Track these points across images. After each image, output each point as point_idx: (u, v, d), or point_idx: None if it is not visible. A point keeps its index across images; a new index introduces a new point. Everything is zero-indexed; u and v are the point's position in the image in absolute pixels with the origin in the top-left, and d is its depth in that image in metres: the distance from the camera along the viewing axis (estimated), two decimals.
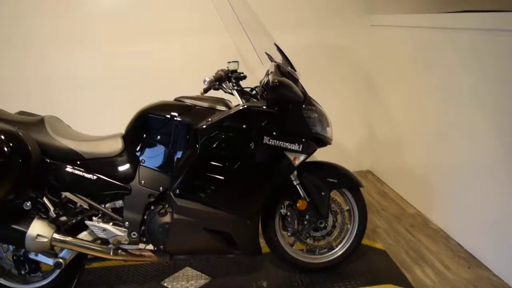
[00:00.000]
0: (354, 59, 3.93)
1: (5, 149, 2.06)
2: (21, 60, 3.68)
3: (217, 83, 2.38)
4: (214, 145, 2.25)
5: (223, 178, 2.28)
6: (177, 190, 2.29)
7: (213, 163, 2.27)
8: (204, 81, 2.31)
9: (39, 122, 2.37)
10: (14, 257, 2.42)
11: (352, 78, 3.97)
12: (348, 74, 3.96)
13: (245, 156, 2.27)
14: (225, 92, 2.47)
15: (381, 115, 3.91)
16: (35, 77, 3.71)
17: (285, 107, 2.29)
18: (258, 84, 2.58)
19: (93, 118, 3.59)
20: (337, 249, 2.69)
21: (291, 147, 2.31)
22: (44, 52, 3.70)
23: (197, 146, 2.26)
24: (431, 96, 3.15)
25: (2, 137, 2.08)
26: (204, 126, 2.26)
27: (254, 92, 2.53)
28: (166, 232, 2.34)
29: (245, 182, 2.32)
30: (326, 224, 2.59)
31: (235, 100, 2.42)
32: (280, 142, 2.29)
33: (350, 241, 2.68)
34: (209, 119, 2.29)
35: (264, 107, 2.29)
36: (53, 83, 3.73)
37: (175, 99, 2.46)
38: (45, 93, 3.71)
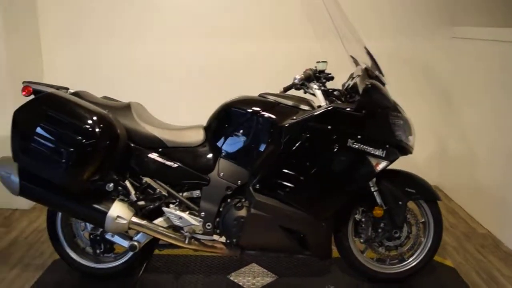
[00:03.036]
0: (432, 70, 3.82)
1: (97, 130, 2.13)
2: (106, 50, 3.85)
3: (305, 82, 2.36)
4: (298, 144, 2.23)
5: (303, 177, 2.26)
6: (257, 185, 2.29)
7: (295, 161, 2.26)
8: (295, 78, 2.31)
9: (126, 108, 2.43)
10: (91, 236, 2.49)
11: (427, 89, 3.86)
12: (424, 84, 3.85)
13: (327, 157, 2.25)
14: (306, 91, 2.46)
15: (455, 130, 3.78)
16: (117, 66, 3.86)
17: (373, 111, 2.25)
18: (335, 87, 2.53)
19: (169, 109, 3.63)
20: (408, 261, 2.61)
21: (374, 152, 2.27)
22: (126, 44, 3.84)
23: (281, 143, 2.25)
24: None
25: (95, 118, 2.15)
26: (289, 124, 2.25)
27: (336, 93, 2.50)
28: (241, 226, 2.34)
29: (325, 184, 2.29)
30: (401, 234, 2.52)
31: (317, 101, 2.40)
32: (364, 146, 2.26)
33: (423, 255, 2.59)
34: (294, 118, 2.28)
35: (350, 109, 2.25)
36: (133, 72, 3.87)
37: (259, 95, 2.46)
38: (125, 82, 3.83)
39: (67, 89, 2.50)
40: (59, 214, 2.53)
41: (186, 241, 2.37)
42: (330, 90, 2.44)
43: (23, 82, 2.40)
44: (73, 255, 2.58)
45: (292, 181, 2.27)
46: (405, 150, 2.38)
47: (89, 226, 2.51)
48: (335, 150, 2.23)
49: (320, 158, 2.26)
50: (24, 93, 2.37)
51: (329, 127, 2.24)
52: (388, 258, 2.61)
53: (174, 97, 3.85)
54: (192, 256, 2.82)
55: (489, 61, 3.34)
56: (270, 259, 2.78)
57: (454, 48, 3.74)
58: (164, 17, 3.80)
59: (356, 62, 2.62)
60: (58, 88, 2.42)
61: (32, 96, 2.35)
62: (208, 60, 3.84)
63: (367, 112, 2.24)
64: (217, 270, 2.70)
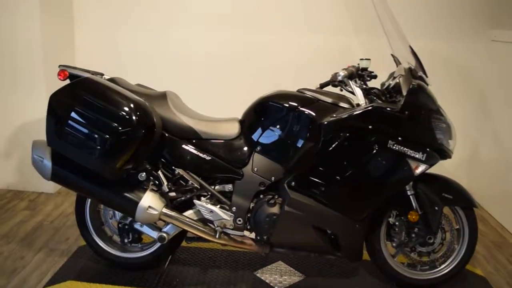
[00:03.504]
0: (468, 73, 3.71)
1: (133, 118, 2.09)
2: (137, 37, 3.81)
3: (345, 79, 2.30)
4: (337, 143, 2.17)
5: (340, 177, 2.20)
6: (292, 183, 2.23)
7: (332, 160, 2.20)
8: (338, 75, 2.25)
9: (162, 97, 2.39)
10: (119, 225, 2.46)
11: (462, 92, 3.75)
12: (459, 87, 3.74)
13: (366, 158, 2.18)
14: (342, 89, 2.40)
15: (489, 136, 3.68)
16: (149, 53, 3.81)
17: (417, 112, 2.18)
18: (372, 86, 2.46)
19: (198, 99, 3.60)
20: (440, 268, 2.54)
21: (414, 155, 2.20)
22: (158, 31, 3.79)
23: (319, 141, 2.19)
24: None
25: (132, 106, 2.11)
26: (328, 122, 2.19)
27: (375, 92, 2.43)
28: (273, 223, 2.29)
29: (362, 185, 2.23)
30: (434, 241, 2.46)
31: (355, 99, 2.34)
32: (405, 149, 2.19)
33: (455, 263, 2.53)
34: (334, 115, 2.22)
35: (393, 109, 2.19)
36: (164, 60, 3.81)
37: (298, 91, 2.40)
38: (156, 70, 3.78)
39: (102, 74, 2.48)
40: (88, 200, 2.50)
41: (217, 236, 2.32)
42: (370, 89, 2.37)
43: (60, 66, 2.38)
44: (99, 242, 2.55)
45: (328, 180, 2.22)
46: (444, 154, 2.31)
47: (118, 214, 2.49)
48: (375, 151, 2.17)
49: (359, 158, 2.19)
50: (60, 77, 2.35)
51: (369, 126, 2.17)
52: (419, 264, 2.54)
53: (203, 87, 3.80)
54: (218, 250, 2.79)
55: None
56: (296, 257, 2.74)
57: (494, 51, 3.63)
58: (200, 4, 3.74)
59: (397, 61, 2.55)
60: (94, 73, 2.39)
61: (67, 81, 2.33)
62: (239, 52, 3.78)
63: (410, 114, 2.17)
64: (244, 266, 2.66)
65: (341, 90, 2.47)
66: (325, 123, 2.19)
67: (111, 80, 2.39)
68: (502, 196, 3.49)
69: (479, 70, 3.71)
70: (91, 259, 2.65)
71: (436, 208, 2.39)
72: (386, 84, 2.45)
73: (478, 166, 3.86)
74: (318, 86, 2.57)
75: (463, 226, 2.50)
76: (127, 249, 2.57)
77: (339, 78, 2.24)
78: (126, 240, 2.48)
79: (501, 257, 3.03)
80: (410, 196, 2.39)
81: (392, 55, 2.58)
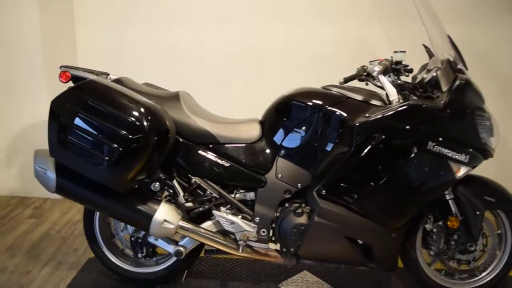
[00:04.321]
0: (504, 63, 3.41)
1: (145, 123, 1.88)
2: (142, 34, 3.55)
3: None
4: (372, 146, 1.95)
5: (375, 183, 1.99)
6: (323, 191, 2.02)
7: (367, 165, 1.99)
8: (373, 70, 2.01)
9: (175, 97, 2.18)
10: (132, 238, 2.27)
11: (496, 84, 3.46)
12: (493, 79, 3.45)
13: (404, 161, 1.96)
14: (369, 83, 2.21)
15: None
16: (154, 51, 3.55)
17: (461, 110, 1.96)
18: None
19: (214, 100, 3.36)
20: (480, 276, 2.34)
21: (457, 157, 1.99)
22: (162, 28, 3.52)
23: (351, 144, 1.97)
24: None
25: (142, 110, 1.90)
26: (363, 123, 1.97)
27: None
28: (301, 234, 2.09)
29: (400, 191, 2.02)
30: (476, 248, 2.25)
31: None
32: (446, 150, 1.97)
33: (497, 270, 2.32)
34: (367, 115, 2.00)
35: (432, 106, 1.97)
36: (170, 58, 3.54)
37: (323, 88, 2.18)
38: (163, 68, 3.50)
39: (108, 74, 2.27)
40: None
41: (240, 250, 2.12)
42: (403, 84, 2.14)
43: (61, 67, 2.17)
44: (110, 256, 2.36)
45: (362, 187, 2.01)
46: (486, 153, 2.09)
47: (131, 227, 2.29)
48: (413, 153, 1.95)
49: (396, 162, 1.98)
50: (62, 79, 2.15)
51: (407, 127, 1.95)
52: (457, 273, 2.33)
53: (214, 86, 3.54)
54: (238, 260, 2.59)
55: None
56: (321, 267, 2.54)
57: None
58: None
59: (430, 52, 2.32)
60: (98, 73, 2.18)
61: (70, 83, 2.12)
62: (252, 47, 3.50)
63: (453, 111, 1.95)
64: (266, 278, 2.46)
65: (367, 85, 2.26)
66: (358, 124, 1.97)
67: (118, 80, 2.18)
68: None
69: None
70: (102, 274, 2.47)
71: (477, 213, 2.18)
72: (419, 78, 2.21)
73: (505, 163, 3.58)
74: (342, 80, 2.36)
75: (506, 231, 2.29)
76: (140, 263, 2.37)
77: (375, 73, 2.01)
78: (139, 255, 2.29)
79: None
80: (449, 201, 2.18)
81: (424, 45, 2.34)
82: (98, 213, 2.31)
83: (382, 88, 2.15)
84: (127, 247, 2.37)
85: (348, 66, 2.48)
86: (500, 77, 3.44)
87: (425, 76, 2.16)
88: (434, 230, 2.23)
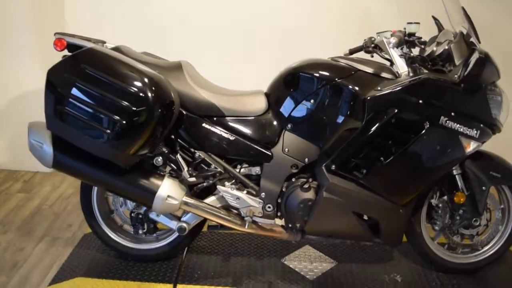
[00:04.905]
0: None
1: (149, 94, 1.79)
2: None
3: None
4: (383, 120, 1.90)
5: (386, 158, 1.94)
6: (332, 166, 1.97)
7: (377, 140, 1.94)
8: (389, 42, 1.94)
9: (177, 68, 2.08)
10: (132, 214, 2.20)
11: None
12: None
13: (415, 136, 1.92)
14: (374, 55, 2.13)
15: None
16: (147, 17, 3.39)
17: (476, 84, 1.92)
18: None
19: (214, 71, 3.24)
20: (482, 250, 2.34)
21: (467, 132, 1.96)
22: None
23: (362, 118, 1.92)
24: None
25: (146, 80, 1.81)
26: (374, 96, 1.90)
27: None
28: (308, 210, 2.05)
29: (410, 166, 1.98)
30: (480, 222, 2.24)
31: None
32: (458, 125, 1.94)
33: (499, 245, 2.33)
34: (379, 88, 1.93)
35: (445, 80, 1.92)
36: (165, 24, 3.39)
37: (331, 59, 2.11)
38: (158, 36, 3.35)
39: (104, 42, 2.16)
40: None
41: (246, 226, 2.07)
42: (415, 57, 2.07)
43: (55, 34, 2.05)
44: (109, 232, 2.29)
45: (373, 162, 1.96)
46: (495, 129, 2.07)
47: (131, 203, 2.21)
48: (425, 128, 1.91)
49: (407, 137, 1.93)
50: (57, 47, 2.03)
51: (420, 101, 1.90)
52: (459, 247, 2.34)
53: (214, 56, 3.38)
54: (238, 235, 2.55)
55: None
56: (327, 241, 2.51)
57: None
58: None
59: (439, 25, 2.25)
60: (95, 42, 2.06)
61: (66, 51, 2.00)
62: (254, 14, 3.37)
63: (468, 86, 1.91)
64: (269, 253, 2.43)
65: (372, 57, 2.19)
66: (369, 97, 1.91)
67: (116, 49, 2.07)
68: None
69: None
70: (99, 250, 2.40)
71: (483, 188, 2.16)
72: (428, 50, 2.14)
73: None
74: (347, 52, 2.29)
75: (509, 206, 2.30)
76: (140, 240, 2.31)
77: (390, 45, 1.94)
78: (140, 231, 2.22)
79: None
80: (456, 176, 2.16)
81: (433, 17, 2.27)
82: (96, 188, 2.22)
83: (389, 60, 2.10)
84: (126, 222, 2.30)
85: (353, 38, 2.39)
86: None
87: (435, 49, 2.09)
88: (440, 205, 2.21)
